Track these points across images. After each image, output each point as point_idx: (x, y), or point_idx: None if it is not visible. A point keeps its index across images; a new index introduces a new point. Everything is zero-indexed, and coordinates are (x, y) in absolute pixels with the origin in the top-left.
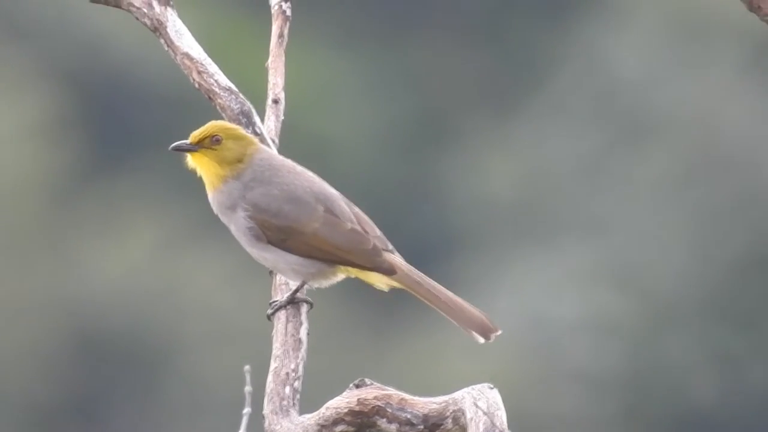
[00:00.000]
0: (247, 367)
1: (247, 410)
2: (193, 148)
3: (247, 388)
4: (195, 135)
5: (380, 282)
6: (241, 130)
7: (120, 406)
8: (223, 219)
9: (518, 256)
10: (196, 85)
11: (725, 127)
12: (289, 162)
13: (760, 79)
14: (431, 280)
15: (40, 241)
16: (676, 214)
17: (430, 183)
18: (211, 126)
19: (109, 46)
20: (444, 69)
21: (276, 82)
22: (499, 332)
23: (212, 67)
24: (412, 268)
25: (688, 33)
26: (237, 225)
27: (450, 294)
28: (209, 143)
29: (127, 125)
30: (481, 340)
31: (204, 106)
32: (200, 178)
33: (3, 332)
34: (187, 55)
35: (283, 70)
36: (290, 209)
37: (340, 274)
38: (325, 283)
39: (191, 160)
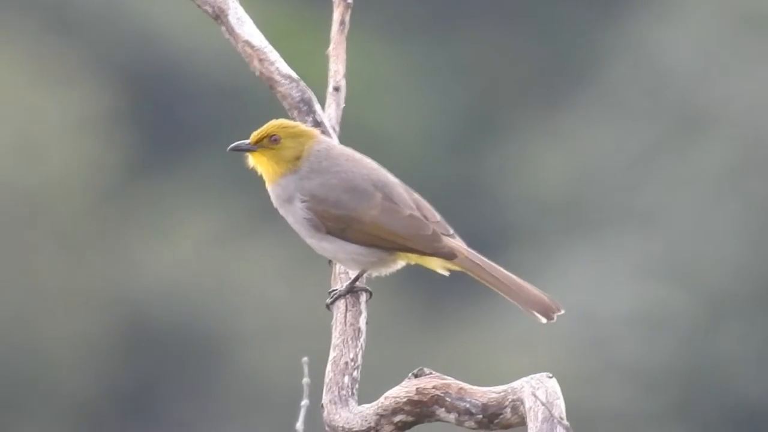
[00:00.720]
0: (305, 359)
1: (305, 402)
2: (252, 148)
3: (305, 380)
4: (254, 135)
5: (440, 267)
6: (301, 126)
7: (175, 401)
8: (282, 212)
9: (569, 250)
10: (257, 73)
11: None
12: (348, 150)
13: None
14: (492, 262)
15: (93, 237)
16: (729, 207)
17: (480, 177)
18: (269, 125)
19: (160, 38)
20: (495, 62)
21: (337, 70)
22: (562, 311)
23: (273, 55)
24: (472, 251)
25: (741, 24)
26: (295, 217)
27: (511, 276)
28: (267, 143)
29: (179, 118)
30: (544, 320)
31: (259, 97)
32: (259, 175)
33: (57, 327)
34: (248, 43)
35: (344, 58)
36: (348, 198)
37: (400, 262)
38: (385, 271)
39: (251, 160)
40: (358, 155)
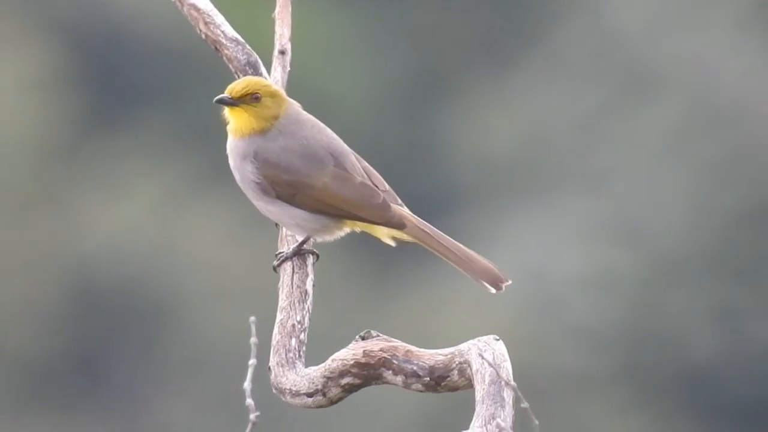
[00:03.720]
0: (252, 318)
1: (252, 361)
2: (235, 102)
3: (253, 339)
4: (236, 90)
5: (387, 236)
6: (275, 87)
7: (121, 362)
8: (232, 166)
9: (518, 212)
10: (203, 36)
11: (725, 80)
12: (312, 118)
13: (760, 32)
14: (440, 232)
15: (39, 197)
16: (676, 168)
17: (429, 139)
18: (251, 82)
19: None
20: (443, 24)
21: (282, 33)
22: (509, 282)
23: (219, 18)
24: (421, 220)
25: None
26: (244, 175)
27: (460, 245)
28: (249, 100)
29: (126, 79)
30: (493, 290)
31: (208, 57)
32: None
33: (4, 291)
34: (194, 6)
35: (290, 22)
36: (302, 164)
37: (346, 229)
38: (330, 238)
39: (229, 114)
40: (321, 124)
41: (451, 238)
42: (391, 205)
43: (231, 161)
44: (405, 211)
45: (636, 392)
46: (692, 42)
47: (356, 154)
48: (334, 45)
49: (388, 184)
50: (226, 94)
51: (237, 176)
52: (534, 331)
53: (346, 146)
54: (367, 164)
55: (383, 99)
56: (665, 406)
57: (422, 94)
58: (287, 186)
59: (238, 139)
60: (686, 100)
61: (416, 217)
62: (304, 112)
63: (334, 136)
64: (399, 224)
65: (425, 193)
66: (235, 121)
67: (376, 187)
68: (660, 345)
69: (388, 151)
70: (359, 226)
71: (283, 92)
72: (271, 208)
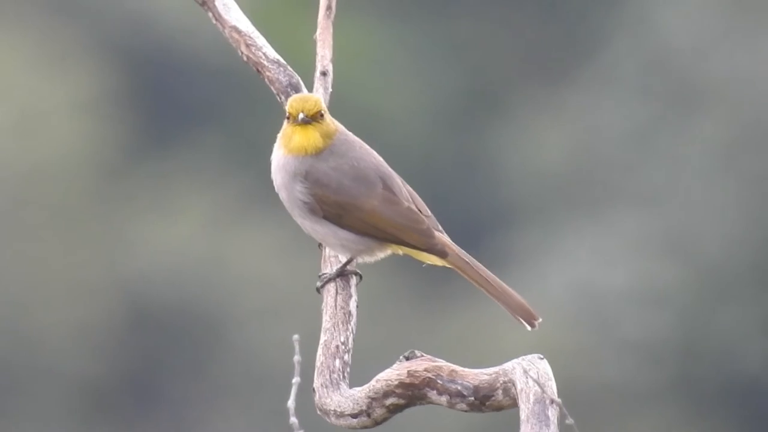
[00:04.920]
0: (295, 337)
1: (296, 380)
2: (309, 120)
3: (296, 358)
4: (308, 108)
5: (430, 261)
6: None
7: (172, 380)
8: (279, 183)
9: (569, 227)
10: (245, 58)
11: None
12: (358, 138)
13: None
14: (479, 264)
15: (91, 218)
16: (727, 183)
17: (480, 155)
18: (315, 101)
19: (157, 19)
20: (494, 39)
21: (324, 54)
22: (540, 320)
23: (260, 40)
24: (462, 250)
25: (741, 0)
26: (293, 194)
27: (497, 279)
28: (318, 117)
29: (176, 99)
30: (528, 326)
31: (253, 78)
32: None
33: (56, 309)
34: (235, 29)
35: (331, 42)
36: (352, 185)
37: (388, 251)
38: (372, 259)
39: (297, 132)
40: (366, 145)
41: (489, 272)
42: (435, 232)
43: (279, 178)
44: (446, 239)
45: (687, 406)
46: (742, 57)
47: (401, 178)
48: (382, 61)
49: (440, 199)
50: (303, 114)
51: (284, 194)
52: (585, 345)
53: (391, 169)
54: (410, 188)
55: (433, 115)
56: (716, 420)
57: (473, 110)
58: (336, 206)
59: (292, 157)
60: (736, 115)
61: (457, 246)
62: (350, 133)
63: (381, 158)
64: (441, 252)
65: (476, 207)
66: (302, 138)
67: (421, 212)
68: (711, 358)
69: (438, 166)
70: (402, 250)
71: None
72: (317, 228)
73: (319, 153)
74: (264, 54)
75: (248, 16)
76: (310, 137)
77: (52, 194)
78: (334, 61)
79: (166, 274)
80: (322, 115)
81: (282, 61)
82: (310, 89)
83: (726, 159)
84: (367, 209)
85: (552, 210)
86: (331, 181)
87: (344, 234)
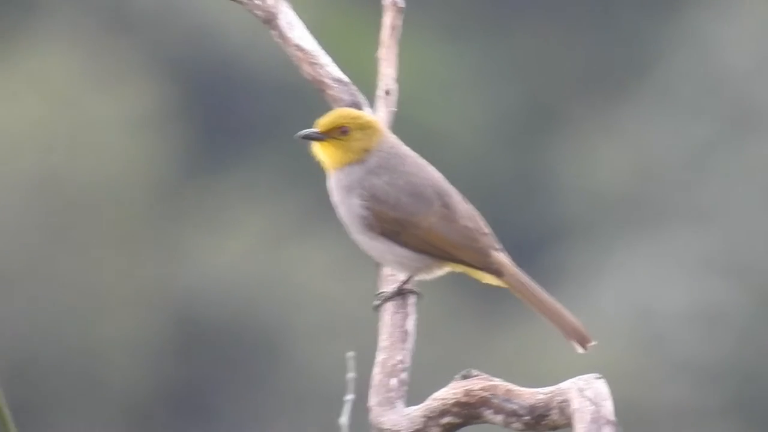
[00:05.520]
0: (349, 354)
1: (349, 397)
2: (321, 137)
3: (350, 375)
4: (323, 124)
5: (486, 279)
6: (368, 117)
7: (227, 397)
8: (336, 200)
9: (626, 245)
10: (308, 77)
11: None
12: (412, 152)
13: None
14: (535, 284)
15: (149, 234)
16: None
17: (538, 172)
18: (338, 116)
19: (215, 37)
20: (552, 57)
21: (387, 73)
22: (594, 343)
23: (324, 59)
24: (518, 270)
25: None
26: (350, 210)
27: (552, 300)
28: (337, 134)
29: (233, 116)
30: (580, 349)
31: (315, 95)
32: (319, 166)
33: (112, 324)
34: (299, 47)
35: (395, 61)
36: (409, 201)
37: (446, 269)
38: (429, 277)
39: (317, 148)
40: (423, 161)
41: (544, 292)
42: (492, 251)
43: (335, 196)
44: (504, 258)
45: (745, 428)
46: None
47: (460, 194)
48: (443, 79)
49: (497, 216)
50: (313, 129)
51: (341, 210)
52: (640, 365)
53: (449, 185)
54: (470, 206)
55: (492, 132)
56: None
57: (531, 128)
58: (393, 223)
59: (337, 172)
60: None
61: (514, 265)
62: (405, 147)
63: (438, 174)
64: (497, 272)
65: (534, 225)
66: (324, 156)
67: (479, 230)
68: None
69: (497, 184)
70: (459, 268)
71: (379, 124)
72: (375, 244)
73: (361, 164)
74: (327, 72)
75: (312, 35)
76: (328, 154)
77: (108, 210)
78: (398, 79)
79: (221, 290)
80: (344, 131)
81: (345, 79)
82: (373, 108)
83: None
84: (424, 226)
85: (607, 228)
86: (389, 197)
87: (401, 251)
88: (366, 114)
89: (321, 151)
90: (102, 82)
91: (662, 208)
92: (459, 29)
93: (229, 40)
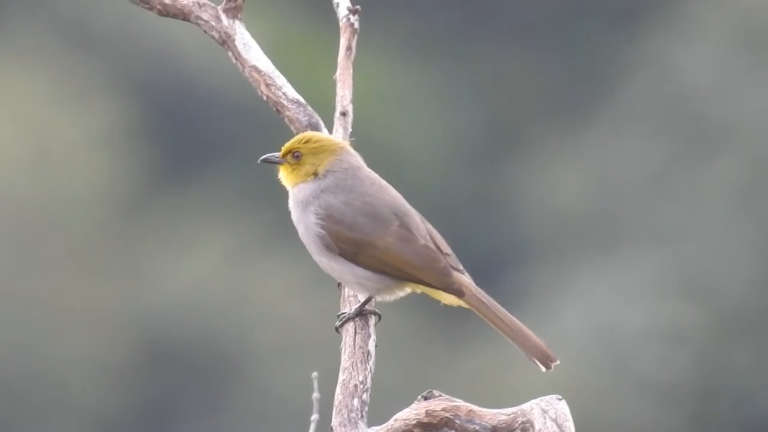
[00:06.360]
0: (314, 374)
1: (314, 417)
2: (280, 161)
3: (315, 395)
4: (283, 148)
5: (448, 300)
6: (325, 141)
7: (189, 415)
8: (295, 217)
9: (587, 265)
10: (264, 98)
11: None
12: (374, 174)
13: None
14: (497, 304)
15: (110, 251)
16: (745, 223)
17: (498, 192)
18: (294, 141)
19: (176, 56)
20: (513, 78)
21: (344, 95)
22: (558, 362)
23: (280, 80)
24: (480, 290)
25: (757, 41)
26: (307, 229)
27: (515, 320)
28: (291, 158)
29: (195, 135)
30: (543, 368)
31: (274, 116)
32: (280, 186)
33: (74, 341)
34: (255, 68)
35: (351, 83)
36: (365, 222)
37: (407, 290)
38: (390, 298)
39: (280, 171)
40: (383, 182)
41: (507, 312)
42: (452, 271)
43: (293, 215)
44: (465, 278)
45: None
46: (760, 96)
47: (420, 215)
48: (401, 98)
49: (458, 237)
50: (274, 153)
51: (300, 230)
52: (602, 385)
53: (409, 206)
54: (430, 226)
55: (453, 153)
56: None
57: (492, 148)
58: (351, 244)
59: (292, 191)
60: (754, 155)
61: (476, 286)
62: (366, 169)
63: (397, 194)
64: (458, 291)
65: (494, 246)
66: (282, 177)
67: (440, 250)
68: (729, 399)
69: (456, 204)
70: (420, 289)
71: (336, 144)
72: (334, 265)
73: (314, 182)
74: (284, 94)
75: (268, 56)
76: (283, 176)
77: (70, 229)
78: (355, 100)
79: (184, 309)
80: (297, 156)
81: (302, 100)
82: (330, 129)
83: (744, 199)
84: (381, 247)
85: (569, 248)
86: (345, 217)
87: (360, 272)
88: (323, 138)
89: (281, 173)
90: (64, 100)
91: (623, 228)
92: (420, 49)
93: (189, 59)
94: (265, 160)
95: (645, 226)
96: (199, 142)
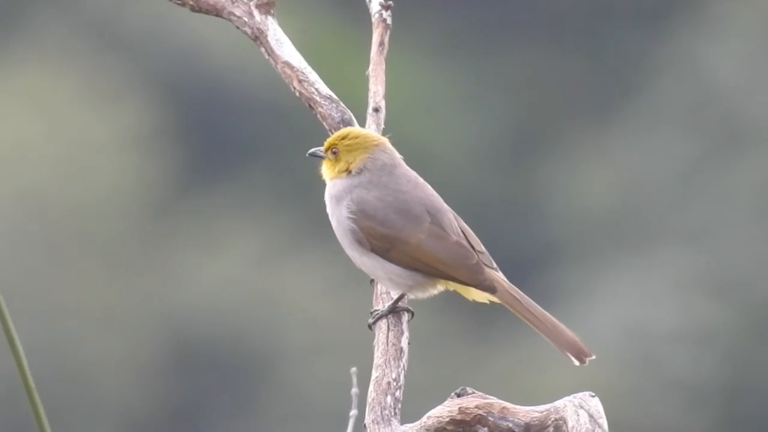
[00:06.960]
0: (353, 369)
1: (353, 412)
2: (323, 155)
3: (354, 390)
4: (325, 144)
5: (479, 297)
6: (362, 138)
7: (219, 416)
8: (329, 211)
9: (616, 265)
10: (297, 94)
11: None
12: (412, 173)
13: None
14: (530, 299)
15: (139, 252)
16: None
17: (528, 192)
18: (334, 136)
19: (206, 55)
20: (542, 78)
21: (376, 91)
22: (593, 357)
23: (312, 76)
24: (512, 286)
25: None
26: (340, 222)
27: (548, 315)
28: (330, 154)
29: (225, 134)
30: (576, 362)
31: (305, 113)
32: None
33: (103, 342)
34: (288, 64)
35: (384, 79)
36: (397, 218)
37: (439, 287)
38: (423, 295)
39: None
40: (420, 180)
41: (540, 308)
42: (485, 267)
43: (327, 207)
44: (498, 275)
45: None
46: None
47: (454, 213)
48: (433, 99)
49: (487, 237)
50: (319, 148)
51: (333, 223)
52: (631, 384)
53: (444, 204)
54: (464, 224)
55: (482, 153)
56: None
57: (521, 148)
58: (383, 239)
59: (328, 185)
60: None
61: (508, 282)
62: (403, 166)
63: (433, 192)
64: (490, 288)
65: (524, 246)
66: (323, 171)
67: (472, 247)
68: (758, 398)
69: (486, 204)
70: (452, 286)
71: (373, 140)
72: (365, 261)
73: (349, 178)
74: (316, 90)
75: (301, 52)
76: (324, 170)
77: (99, 229)
78: (387, 97)
79: (213, 310)
80: (334, 152)
81: (334, 96)
82: (362, 125)
83: None
84: (412, 243)
85: (599, 248)
86: (377, 213)
87: (392, 268)
88: (360, 135)
89: (322, 167)
90: (93, 101)
91: (652, 228)
92: (450, 48)
93: (220, 57)
94: (312, 155)
95: (674, 226)
96: (228, 142)
